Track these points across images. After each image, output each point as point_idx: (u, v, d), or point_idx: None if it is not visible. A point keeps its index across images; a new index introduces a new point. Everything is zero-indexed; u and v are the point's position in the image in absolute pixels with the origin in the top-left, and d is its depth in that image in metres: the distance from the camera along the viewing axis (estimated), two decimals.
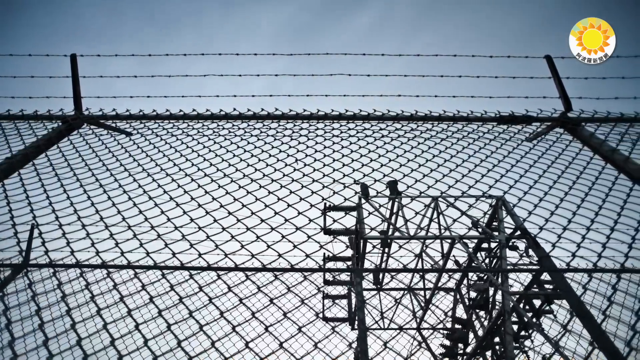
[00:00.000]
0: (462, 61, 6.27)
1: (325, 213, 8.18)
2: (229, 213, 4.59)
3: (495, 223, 9.10)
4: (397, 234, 9.30)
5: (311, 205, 4.85)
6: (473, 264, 8.73)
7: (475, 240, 9.20)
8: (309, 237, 4.56)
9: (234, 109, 5.91)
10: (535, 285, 7.90)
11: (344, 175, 5.11)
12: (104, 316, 3.59)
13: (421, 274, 10.40)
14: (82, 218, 4.14)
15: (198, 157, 5.52)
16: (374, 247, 9.42)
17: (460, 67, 6.27)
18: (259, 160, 5.41)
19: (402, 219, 9.39)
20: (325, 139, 5.88)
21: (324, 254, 9.83)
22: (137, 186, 4.71)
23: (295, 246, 4.49)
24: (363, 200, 8.46)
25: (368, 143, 5.62)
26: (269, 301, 3.85)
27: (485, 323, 8.14)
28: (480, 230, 8.88)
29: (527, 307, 8.12)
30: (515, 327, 8.37)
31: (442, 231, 9.40)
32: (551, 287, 7.65)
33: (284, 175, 5.15)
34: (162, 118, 5.97)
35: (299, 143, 5.70)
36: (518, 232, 8.45)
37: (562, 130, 5.36)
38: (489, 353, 8.96)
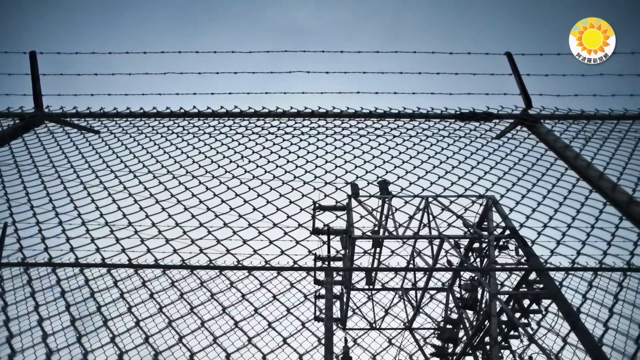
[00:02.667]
0: (423, 58, 6.26)
1: (315, 214, 8.21)
2: (193, 216, 4.61)
3: (486, 223, 9.10)
4: (387, 233, 9.31)
5: (280, 208, 4.83)
6: (465, 264, 8.72)
7: (467, 241, 9.20)
8: (297, 242, 4.56)
9: (194, 107, 5.93)
10: (524, 285, 7.88)
11: (306, 171, 5.10)
12: (74, 313, 3.64)
13: (413, 274, 10.40)
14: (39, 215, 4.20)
15: (164, 154, 5.54)
16: (365, 252, 9.45)
17: (420, 64, 6.25)
18: (224, 157, 5.43)
19: (392, 219, 9.39)
20: (276, 136, 5.83)
21: (315, 254, 9.86)
22: (98, 182, 4.75)
23: (283, 252, 4.48)
24: (353, 201, 8.47)
25: (327, 144, 5.59)
26: (241, 297, 3.86)
27: (475, 323, 8.13)
28: (471, 230, 8.88)
29: (516, 306, 8.11)
30: (504, 326, 8.36)
31: (432, 232, 9.39)
32: (540, 286, 7.64)
33: (246, 171, 5.15)
34: (121, 116, 6.00)
35: (250, 140, 5.65)
36: (507, 232, 8.45)
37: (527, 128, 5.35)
38: (480, 352, 8.94)
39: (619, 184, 4.15)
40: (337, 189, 4.99)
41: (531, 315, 7.95)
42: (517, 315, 8.34)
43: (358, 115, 5.77)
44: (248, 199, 4.98)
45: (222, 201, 4.95)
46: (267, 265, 4.04)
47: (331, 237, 8.12)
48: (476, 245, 9.02)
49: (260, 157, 5.52)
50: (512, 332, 8.22)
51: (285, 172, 5.40)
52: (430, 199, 9.32)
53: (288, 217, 4.78)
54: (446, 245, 8.86)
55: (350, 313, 10.55)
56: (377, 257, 10.08)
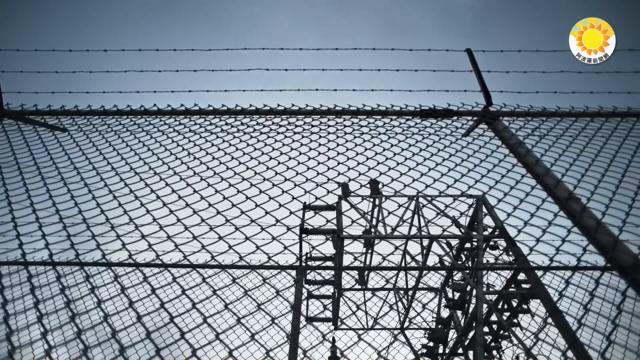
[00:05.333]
0: (382, 55, 6.23)
1: (304, 213, 8.22)
2: (171, 211, 4.64)
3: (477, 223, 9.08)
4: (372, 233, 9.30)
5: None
6: (453, 264, 8.71)
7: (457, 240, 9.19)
8: (274, 238, 4.55)
9: (154, 105, 5.95)
10: (513, 285, 7.86)
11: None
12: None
13: (404, 274, 10.38)
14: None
15: (131, 151, 5.56)
16: (355, 258, 9.45)
17: (380, 61, 6.24)
18: (194, 158, 5.45)
19: (382, 218, 9.39)
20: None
21: (306, 253, 9.86)
22: (58, 180, 4.77)
23: (258, 247, 4.47)
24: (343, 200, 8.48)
25: (293, 141, 5.60)
26: (212, 292, 3.88)
27: (462, 324, 8.11)
28: (462, 229, 8.87)
29: (505, 306, 8.08)
30: (493, 326, 8.34)
31: (422, 231, 9.39)
32: (528, 286, 7.62)
33: (215, 173, 5.17)
34: (82, 114, 6.04)
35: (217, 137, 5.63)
36: (497, 232, 8.43)
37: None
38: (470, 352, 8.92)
39: (564, 181, 4.15)
40: (296, 184, 4.99)
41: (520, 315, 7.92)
42: (507, 314, 8.32)
43: (316, 112, 5.77)
44: (227, 196, 4.99)
45: (202, 198, 4.97)
46: (239, 264, 4.05)
47: (320, 236, 8.13)
48: (468, 245, 9.01)
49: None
50: (501, 332, 8.20)
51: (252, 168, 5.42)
52: (420, 200, 9.32)
53: (266, 213, 4.79)
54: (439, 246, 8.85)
55: (345, 314, 10.56)
56: (369, 257, 10.09)
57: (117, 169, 5.20)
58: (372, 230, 9.05)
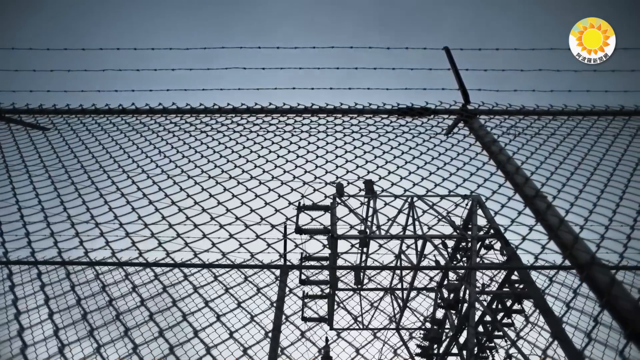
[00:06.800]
0: (361, 53, 6.23)
1: (299, 213, 8.22)
2: (156, 209, 4.64)
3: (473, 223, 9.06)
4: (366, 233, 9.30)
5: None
6: (448, 263, 8.69)
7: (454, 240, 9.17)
8: (257, 236, 4.53)
9: (132, 104, 5.97)
10: (507, 285, 7.83)
11: (244, 171, 5.10)
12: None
13: (399, 274, 10.36)
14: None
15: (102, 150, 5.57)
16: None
17: (356, 60, 6.22)
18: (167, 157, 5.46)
19: (377, 218, 9.39)
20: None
21: (302, 253, 9.87)
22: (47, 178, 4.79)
23: (242, 245, 4.47)
24: (338, 200, 8.48)
25: (284, 139, 5.59)
26: (193, 289, 3.87)
27: (455, 323, 8.08)
28: (457, 230, 8.85)
29: (499, 306, 8.06)
30: (488, 326, 8.31)
31: (408, 231, 9.39)
32: (522, 286, 7.59)
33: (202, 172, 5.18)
34: (60, 112, 6.06)
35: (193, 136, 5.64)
36: (492, 231, 8.41)
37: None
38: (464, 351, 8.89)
39: (535, 179, 4.12)
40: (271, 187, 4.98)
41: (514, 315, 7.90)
42: (502, 314, 8.29)
43: (293, 111, 5.76)
44: (214, 194, 4.99)
45: (188, 195, 4.97)
46: (222, 263, 4.05)
47: (314, 236, 8.14)
48: (463, 244, 8.99)
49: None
50: (495, 332, 8.17)
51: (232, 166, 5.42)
52: (415, 199, 9.32)
53: (252, 210, 4.78)
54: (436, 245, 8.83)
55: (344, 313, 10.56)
56: (363, 256, 10.09)
57: (95, 165, 5.21)
58: (367, 230, 9.05)
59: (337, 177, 5.06)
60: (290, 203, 4.96)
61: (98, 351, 2.90)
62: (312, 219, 4.88)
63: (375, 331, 10.11)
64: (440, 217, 8.23)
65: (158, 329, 3.39)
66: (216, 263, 4.23)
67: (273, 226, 4.54)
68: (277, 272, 8.32)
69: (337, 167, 5.21)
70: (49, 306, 3.49)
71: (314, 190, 4.88)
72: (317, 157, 5.47)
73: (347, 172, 5.01)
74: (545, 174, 4.47)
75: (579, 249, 2.93)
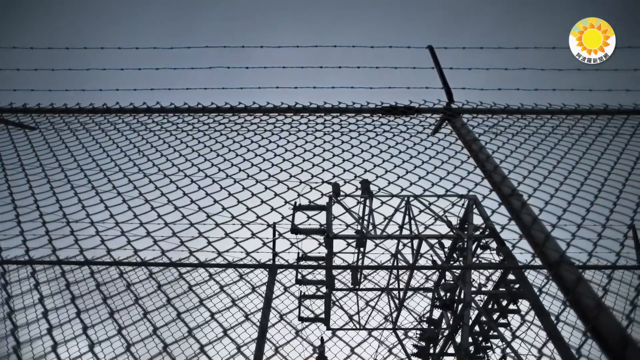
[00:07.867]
0: (343, 52, 6.24)
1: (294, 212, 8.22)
2: (152, 208, 4.64)
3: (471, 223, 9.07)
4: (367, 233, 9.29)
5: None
6: (444, 263, 8.70)
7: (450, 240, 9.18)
8: (253, 234, 4.53)
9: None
10: (503, 285, 7.84)
11: (239, 169, 5.10)
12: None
13: (396, 274, 10.37)
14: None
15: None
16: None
17: (340, 59, 6.23)
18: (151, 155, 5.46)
19: (374, 218, 9.39)
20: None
21: (298, 253, 9.86)
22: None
23: (237, 243, 4.46)
24: (333, 200, 8.48)
25: (274, 140, 5.58)
26: (189, 287, 3.88)
27: (450, 323, 8.09)
28: (454, 230, 8.86)
29: (495, 306, 8.06)
30: (484, 326, 8.32)
31: (413, 231, 9.39)
32: (517, 286, 7.60)
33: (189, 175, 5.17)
34: (44, 111, 6.05)
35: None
36: (487, 231, 8.42)
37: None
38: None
39: (513, 178, 4.15)
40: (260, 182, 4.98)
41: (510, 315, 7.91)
42: (497, 314, 8.30)
43: (276, 110, 5.77)
44: (210, 192, 4.99)
45: (184, 194, 4.97)
46: (215, 262, 4.05)
47: (310, 236, 8.15)
48: (460, 244, 9.00)
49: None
50: (491, 332, 8.18)
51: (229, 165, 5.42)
52: (411, 199, 9.32)
53: (248, 209, 4.78)
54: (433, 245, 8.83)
55: (341, 313, 10.57)
56: (360, 256, 10.09)
57: (90, 165, 5.20)
58: (364, 230, 9.06)
59: (327, 180, 5.06)
60: (286, 202, 4.96)
61: (91, 349, 2.90)
62: (309, 218, 4.88)
63: (371, 331, 10.12)
64: (436, 216, 8.24)
65: (153, 327, 3.40)
66: (210, 262, 4.24)
67: (269, 225, 4.54)
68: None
69: (313, 165, 5.21)
70: (43, 304, 3.48)
71: (311, 189, 4.89)
72: (303, 159, 5.47)
73: (344, 171, 5.02)
74: (525, 173, 4.50)
75: (550, 247, 2.97)
